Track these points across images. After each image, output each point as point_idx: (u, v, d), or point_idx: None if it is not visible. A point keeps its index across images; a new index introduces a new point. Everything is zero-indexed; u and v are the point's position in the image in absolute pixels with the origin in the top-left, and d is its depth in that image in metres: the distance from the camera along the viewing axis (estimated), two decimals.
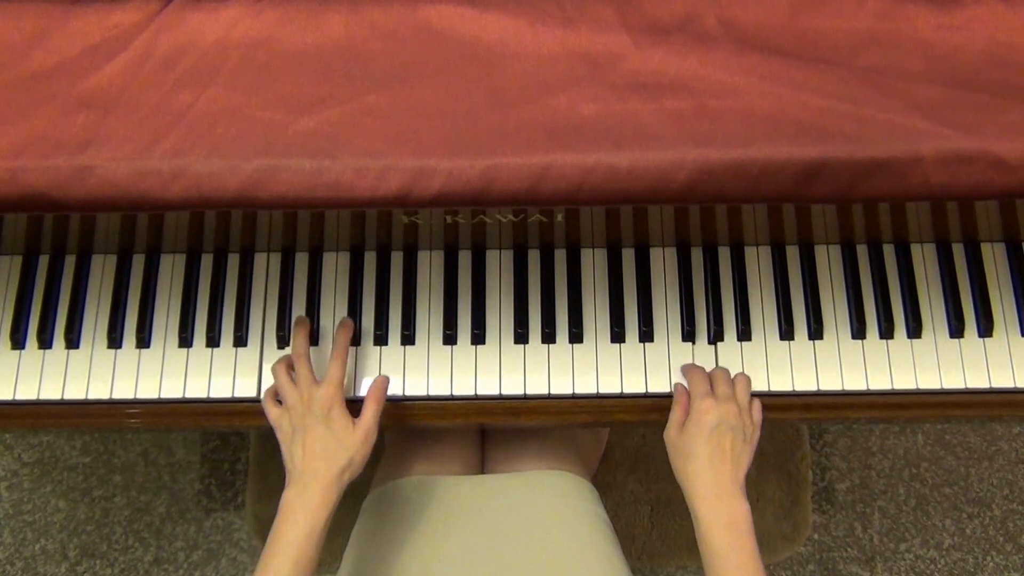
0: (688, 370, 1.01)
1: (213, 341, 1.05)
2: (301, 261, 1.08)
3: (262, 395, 1.00)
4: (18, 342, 1.05)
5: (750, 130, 0.78)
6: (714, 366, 1.03)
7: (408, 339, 1.05)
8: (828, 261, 1.06)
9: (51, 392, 1.04)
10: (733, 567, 0.87)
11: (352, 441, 0.93)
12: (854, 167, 0.78)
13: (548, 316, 1.05)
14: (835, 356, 1.03)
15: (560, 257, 1.07)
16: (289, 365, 0.98)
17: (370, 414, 0.96)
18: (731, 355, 1.03)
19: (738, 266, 1.06)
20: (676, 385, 1.01)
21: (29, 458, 1.80)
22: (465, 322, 1.05)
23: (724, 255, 1.07)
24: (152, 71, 0.84)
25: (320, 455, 0.92)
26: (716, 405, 0.94)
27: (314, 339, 1.05)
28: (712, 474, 0.91)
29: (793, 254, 1.07)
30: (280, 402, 0.97)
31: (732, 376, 1.00)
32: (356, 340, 1.05)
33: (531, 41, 0.84)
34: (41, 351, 1.05)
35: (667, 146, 0.78)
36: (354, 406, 0.99)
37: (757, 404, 0.99)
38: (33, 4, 0.88)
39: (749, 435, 0.95)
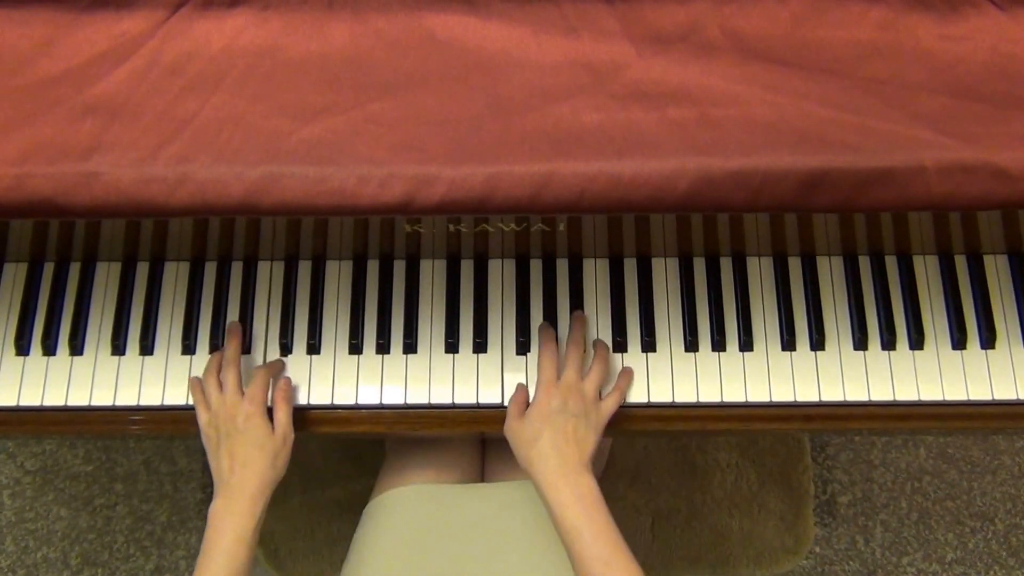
0: (542, 349, 1.01)
1: (216, 348, 1.05)
2: (304, 269, 1.08)
3: (196, 400, 1.01)
4: (22, 348, 1.06)
5: (752, 139, 0.78)
6: (610, 365, 1.03)
7: (410, 348, 1.05)
8: (830, 272, 1.07)
9: (55, 399, 1.04)
10: (591, 537, 0.89)
11: (273, 446, 0.96)
12: (856, 177, 0.78)
13: (550, 325, 1.05)
14: (837, 367, 1.03)
15: (562, 267, 1.08)
16: (218, 371, 1.01)
17: (283, 416, 0.99)
18: (733, 365, 1.03)
19: (740, 276, 1.06)
20: (517, 385, 1.02)
21: (32, 466, 1.80)
22: (467, 331, 1.05)
23: (726, 265, 1.07)
24: (158, 78, 0.85)
25: (245, 464, 0.94)
26: (558, 392, 0.96)
27: (316, 348, 1.05)
28: (557, 457, 0.92)
29: (795, 265, 1.07)
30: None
31: (592, 363, 1.01)
32: (359, 349, 1.05)
33: (534, 50, 0.85)
34: (45, 358, 1.06)
35: (669, 155, 0.78)
36: (350, 412, 0.99)
37: (612, 399, 0.99)
38: (41, 12, 0.88)
39: (593, 421, 0.96)
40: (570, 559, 0.91)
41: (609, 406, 0.99)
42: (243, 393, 0.98)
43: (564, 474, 0.92)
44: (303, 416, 1.04)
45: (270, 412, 1.00)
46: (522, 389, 1.01)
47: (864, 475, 1.77)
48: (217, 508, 0.94)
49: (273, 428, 0.98)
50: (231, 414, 0.97)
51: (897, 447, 1.79)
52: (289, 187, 0.79)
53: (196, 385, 1.02)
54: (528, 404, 0.99)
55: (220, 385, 0.99)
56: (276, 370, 1.03)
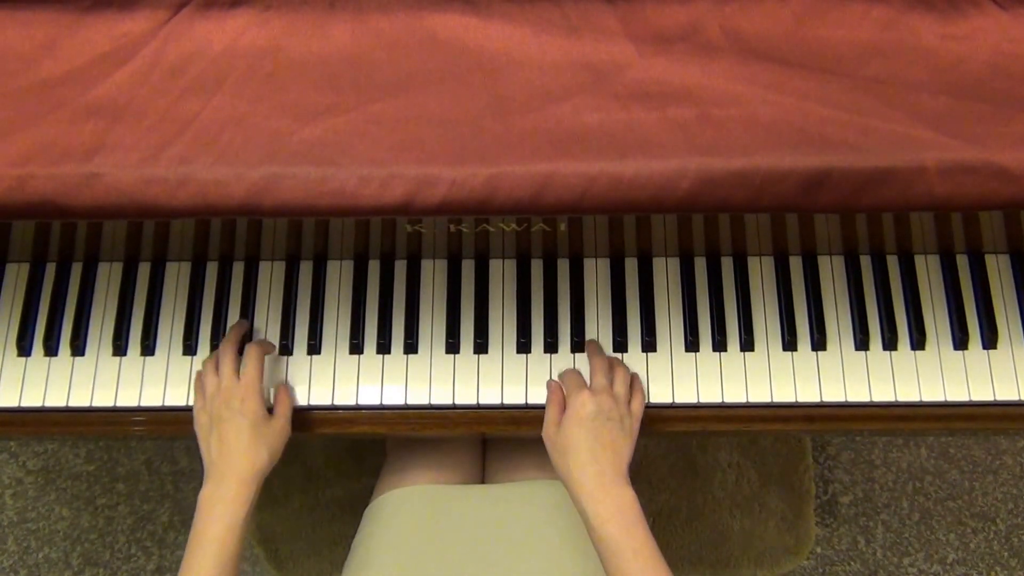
0: (565, 371, 1.01)
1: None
2: (305, 269, 1.08)
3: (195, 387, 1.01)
4: (24, 349, 1.06)
5: (753, 139, 0.78)
6: (619, 367, 1.02)
7: (411, 348, 1.05)
8: (831, 271, 1.07)
9: (56, 399, 1.04)
10: (630, 553, 0.87)
11: (268, 432, 0.96)
12: (857, 177, 0.78)
13: (551, 326, 1.05)
14: (838, 367, 1.03)
15: (563, 267, 1.08)
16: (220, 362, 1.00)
17: (283, 407, 0.99)
18: (734, 365, 1.03)
19: (741, 276, 1.06)
20: (549, 383, 1.01)
21: (34, 466, 1.80)
22: (468, 331, 1.05)
23: (727, 265, 1.07)
24: (160, 79, 0.85)
25: (236, 448, 0.93)
26: (592, 397, 0.94)
27: (316, 348, 1.05)
28: (594, 467, 0.91)
29: (796, 264, 1.07)
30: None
31: (615, 368, 1.00)
32: (360, 349, 1.05)
33: (535, 50, 0.85)
34: (47, 358, 1.06)
35: (670, 155, 0.78)
36: (351, 412, 0.99)
37: (639, 397, 0.99)
38: (43, 13, 0.88)
39: (627, 426, 0.95)
40: (606, 573, 0.89)
41: (638, 408, 0.98)
42: (237, 379, 0.98)
43: (603, 485, 0.90)
44: (304, 417, 1.04)
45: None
46: (557, 388, 0.99)
47: (865, 475, 1.77)
48: (207, 493, 0.92)
49: (271, 416, 0.98)
50: (226, 398, 0.96)
51: (898, 447, 1.79)
52: (290, 188, 0.79)
53: (198, 376, 1.02)
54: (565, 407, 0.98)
55: (216, 372, 0.99)
56: (267, 351, 1.03)
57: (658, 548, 0.88)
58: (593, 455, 0.91)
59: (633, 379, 1.02)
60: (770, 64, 0.83)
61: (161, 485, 1.77)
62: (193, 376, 1.04)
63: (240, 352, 1.01)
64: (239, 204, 0.79)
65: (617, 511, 0.89)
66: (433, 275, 1.08)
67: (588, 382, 0.99)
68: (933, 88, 0.82)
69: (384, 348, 1.05)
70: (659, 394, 1.03)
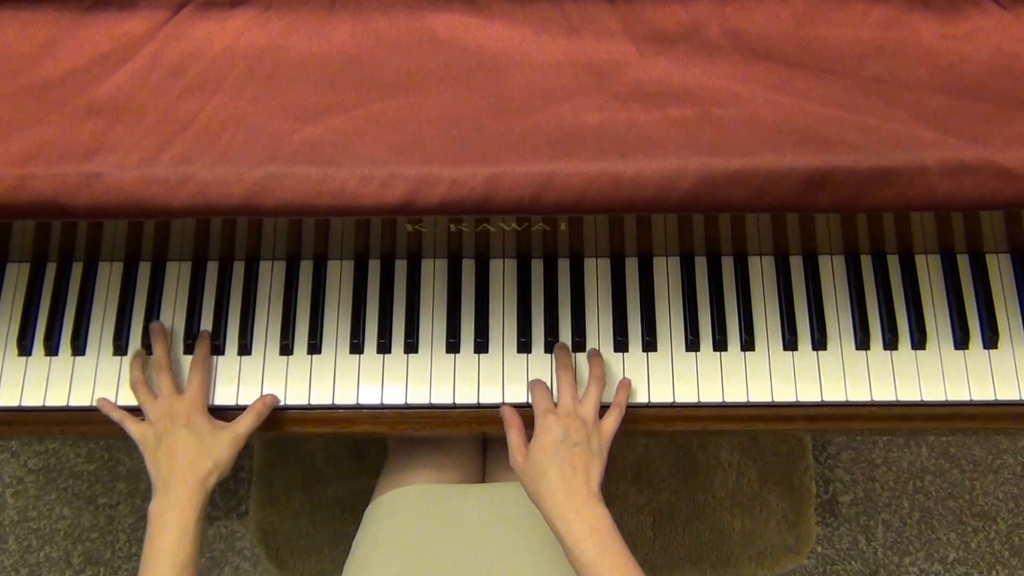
0: (533, 381, 1.01)
1: (217, 349, 1.05)
2: (305, 269, 1.08)
3: (118, 417, 1.00)
4: (25, 349, 1.06)
5: (754, 139, 0.78)
6: (622, 375, 1.03)
7: (411, 347, 1.05)
8: (832, 271, 1.06)
9: (57, 399, 1.04)
10: (608, 571, 0.86)
11: (216, 444, 0.96)
12: (858, 176, 0.78)
13: (551, 325, 1.05)
14: (839, 367, 1.03)
15: (564, 266, 1.08)
16: (141, 383, 1.01)
17: (245, 425, 0.99)
18: (735, 365, 1.03)
19: (742, 276, 1.06)
20: (503, 408, 1.00)
21: (35, 465, 1.80)
22: (468, 331, 1.05)
23: (728, 265, 1.07)
24: (160, 79, 0.85)
25: (183, 460, 0.94)
26: (558, 420, 0.94)
27: (317, 348, 1.05)
28: (565, 491, 0.90)
29: (797, 264, 1.07)
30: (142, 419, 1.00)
31: (588, 384, 0.99)
32: (360, 349, 1.05)
33: (536, 50, 0.85)
34: (47, 358, 1.06)
35: (671, 155, 0.78)
36: (351, 411, 0.99)
37: (612, 418, 0.97)
38: (44, 13, 0.88)
39: (596, 447, 0.94)
40: None
41: (610, 426, 0.97)
42: (178, 395, 0.99)
43: (574, 507, 0.89)
44: (304, 416, 1.04)
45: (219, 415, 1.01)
46: (512, 413, 0.98)
47: (866, 474, 1.77)
48: (156, 507, 0.93)
49: (224, 426, 0.98)
50: (173, 414, 0.97)
51: (899, 446, 1.79)
52: (290, 188, 0.79)
53: (109, 405, 1.02)
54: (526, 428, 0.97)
55: (152, 393, 1.00)
56: (207, 367, 1.03)
57: (636, 562, 0.87)
58: (562, 478, 0.91)
59: (619, 389, 1.01)
60: (771, 64, 0.83)
61: None
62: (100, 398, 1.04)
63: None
64: (239, 204, 0.79)
65: (591, 530, 0.88)
66: (433, 275, 1.08)
67: (556, 399, 0.98)
68: (934, 88, 0.82)
69: (384, 348, 1.05)
70: (659, 394, 1.03)
